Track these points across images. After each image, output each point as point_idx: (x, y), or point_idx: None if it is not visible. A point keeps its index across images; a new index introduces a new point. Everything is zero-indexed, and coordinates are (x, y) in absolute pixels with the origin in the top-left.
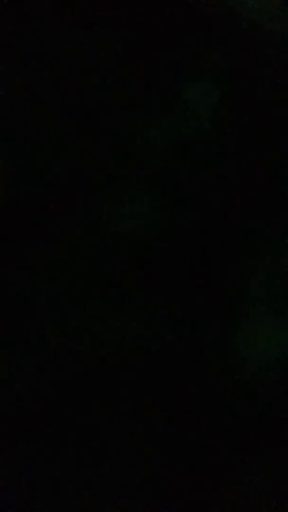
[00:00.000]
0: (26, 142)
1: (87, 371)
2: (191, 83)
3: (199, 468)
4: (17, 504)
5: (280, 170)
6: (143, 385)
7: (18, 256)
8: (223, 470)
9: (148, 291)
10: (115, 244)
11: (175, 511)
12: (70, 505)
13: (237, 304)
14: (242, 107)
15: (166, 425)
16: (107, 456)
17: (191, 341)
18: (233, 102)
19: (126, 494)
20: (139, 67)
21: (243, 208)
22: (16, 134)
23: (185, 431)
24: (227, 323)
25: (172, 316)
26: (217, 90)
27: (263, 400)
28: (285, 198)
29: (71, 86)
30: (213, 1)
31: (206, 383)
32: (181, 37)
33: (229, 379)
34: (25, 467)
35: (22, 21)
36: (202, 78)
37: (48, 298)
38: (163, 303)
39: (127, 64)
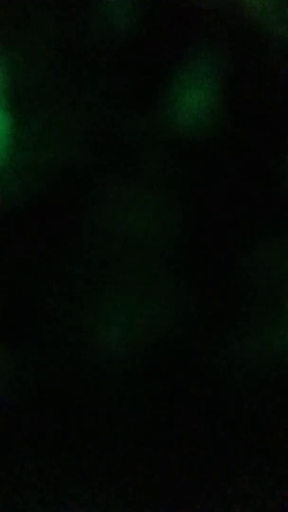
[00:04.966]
0: (24, 139)
1: (86, 372)
2: (191, 82)
3: (198, 469)
4: (15, 504)
5: (281, 169)
6: (142, 385)
7: (18, 256)
8: (222, 471)
9: (147, 290)
10: (115, 243)
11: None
12: (68, 505)
13: (236, 305)
14: (242, 105)
15: (165, 426)
16: (106, 456)
17: (190, 342)
18: (233, 100)
19: (125, 495)
20: (137, 64)
21: (243, 207)
22: (12, 132)
23: (183, 433)
24: (227, 323)
25: (171, 316)
26: (216, 89)
27: (262, 401)
28: (285, 198)
29: (68, 83)
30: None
31: (205, 384)
32: (180, 34)
33: (228, 380)
34: (22, 467)
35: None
36: (202, 77)
37: (47, 297)
38: (162, 302)
39: (125, 62)
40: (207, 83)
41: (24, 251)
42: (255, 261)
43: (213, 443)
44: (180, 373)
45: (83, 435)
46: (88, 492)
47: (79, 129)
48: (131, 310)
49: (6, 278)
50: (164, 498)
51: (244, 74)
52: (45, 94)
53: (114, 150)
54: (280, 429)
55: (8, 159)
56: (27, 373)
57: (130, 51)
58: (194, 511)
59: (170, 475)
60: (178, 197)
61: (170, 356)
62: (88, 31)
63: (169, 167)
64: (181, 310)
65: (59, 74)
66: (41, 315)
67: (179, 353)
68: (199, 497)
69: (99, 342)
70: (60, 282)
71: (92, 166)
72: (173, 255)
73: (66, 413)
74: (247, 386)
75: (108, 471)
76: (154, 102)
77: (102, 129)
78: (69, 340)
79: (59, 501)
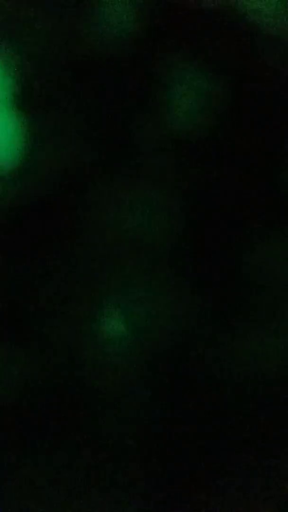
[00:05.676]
0: (28, 140)
1: (86, 370)
2: (191, 81)
3: (198, 469)
4: (16, 504)
5: (281, 169)
6: (143, 385)
7: (18, 256)
8: (222, 471)
9: (149, 290)
10: (117, 243)
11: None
12: (69, 505)
13: (237, 305)
14: (242, 105)
15: (165, 425)
16: (106, 456)
17: (190, 343)
18: (233, 100)
19: (125, 495)
20: (137, 64)
21: (244, 207)
22: (12, 131)
23: (183, 432)
24: (227, 324)
25: (172, 317)
26: (216, 89)
27: (263, 402)
28: (286, 198)
29: (68, 83)
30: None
31: (206, 385)
32: (179, 33)
33: (228, 380)
34: (22, 466)
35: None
36: (201, 77)
37: (47, 297)
38: (163, 303)
39: (125, 62)
40: (208, 83)
41: (27, 251)
42: (257, 260)
43: (213, 444)
44: (180, 372)
45: (83, 435)
46: (88, 493)
47: (82, 130)
48: (132, 310)
49: (8, 278)
50: (165, 499)
51: (244, 74)
52: (49, 96)
53: (116, 150)
54: (281, 430)
55: (11, 159)
56: (28, 373)
57: (131, 52)
58: (194, 511)
59: (170, 475)
60: (180, 197)
61: (171, 356)
62: (90, 32)
63: (171, 168)
64: (183, 310)
65: (62, 76)
66: (42, 315)
67: (180, 353)
68: (199, 498)
69: (99, 342)
70: (62, 282)
71: (93, 166)
72: (174, 255)
73: (67, 414)
74: (247, 387)
75: (109, 471)
76: (155, 102)
77: (105, 130)
78: (70, 340)
79: (59, 501)
